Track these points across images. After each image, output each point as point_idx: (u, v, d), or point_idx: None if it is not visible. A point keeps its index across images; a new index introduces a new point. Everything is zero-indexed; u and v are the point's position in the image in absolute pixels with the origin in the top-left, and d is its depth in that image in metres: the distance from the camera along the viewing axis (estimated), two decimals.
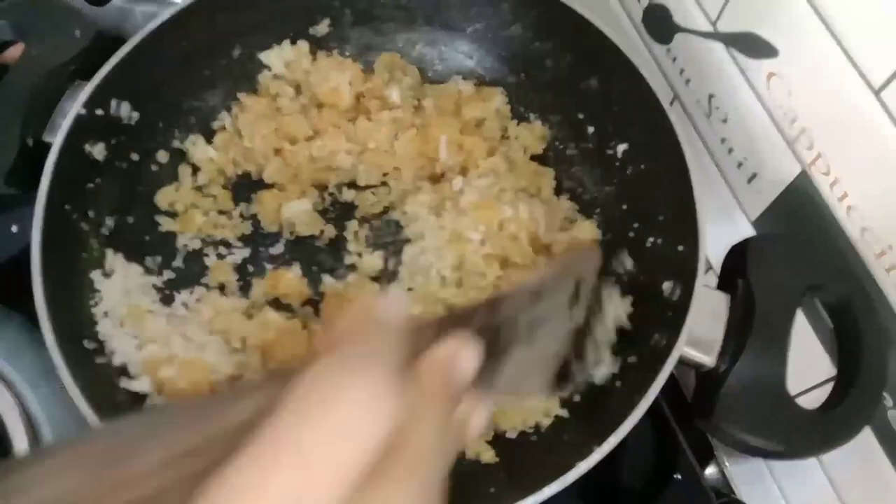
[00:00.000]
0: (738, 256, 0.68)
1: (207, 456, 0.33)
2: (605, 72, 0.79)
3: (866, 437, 0.68)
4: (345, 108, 0.83)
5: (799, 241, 0.70)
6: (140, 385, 0.70)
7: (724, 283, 0.69)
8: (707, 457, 0.88)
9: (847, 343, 0.65)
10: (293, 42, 0.86)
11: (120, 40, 0.75)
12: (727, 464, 0.88)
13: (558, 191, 0.84)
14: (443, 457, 0.36)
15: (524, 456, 0.71)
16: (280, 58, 0.85)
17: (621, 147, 0.80)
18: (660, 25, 0.82)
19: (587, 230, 0.80)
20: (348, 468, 0.32)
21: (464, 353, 0.40)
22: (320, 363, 0.34)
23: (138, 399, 0.70)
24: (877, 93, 0.59)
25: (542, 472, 0.62)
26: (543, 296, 0.49)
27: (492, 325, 0.45)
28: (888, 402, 0.65)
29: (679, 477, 0.81)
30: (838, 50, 0.61)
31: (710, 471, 0.88)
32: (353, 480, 0.32)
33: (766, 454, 0.64)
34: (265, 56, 0.85)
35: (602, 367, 0.54)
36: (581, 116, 0.84)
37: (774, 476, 0.84)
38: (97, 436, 0.42)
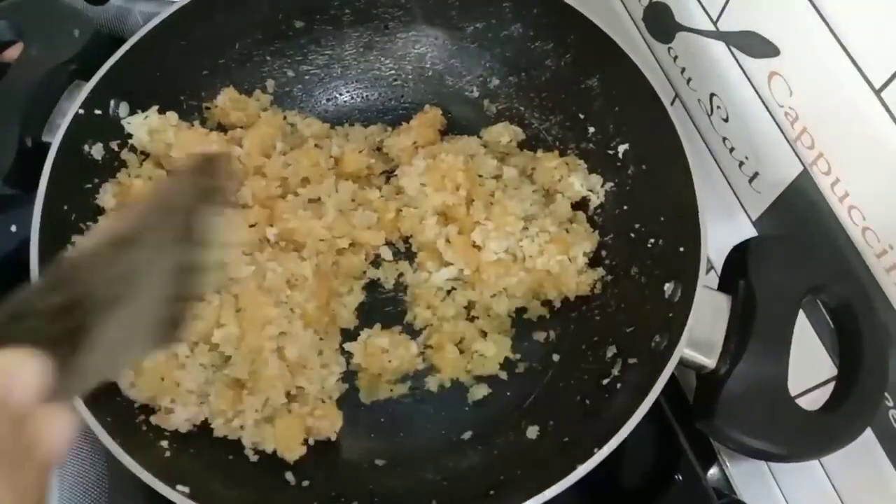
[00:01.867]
0: (739, 257, 0.68)
1: None
2: (606, 71, 0.80)
3: (867, 437, 0.68)
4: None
5: (800, 241, 0.70)
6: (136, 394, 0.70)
7: (726, 284, 0.69)
8: (708, 457, 0.88)
9: (848, 344, 0.65)
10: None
11: (119, 40, 0.76)
12: (728, 464, 0.88)
13: None
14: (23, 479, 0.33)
15: (525, 457, 0.72)
16: (144, 127, 0.79)
17: (622, 147, 0.80)
18: (661, 24, 0.82)
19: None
20: None
21: (18, 371, 0.36)
22: None
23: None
24: (878, 92, 0.59)
25: (543, 474, 0.62)
26: (134, 242, 0.42)
27: (68, 303, 0.39)
28: (889, 402, 0.65)
29: (680, 478, 0.81)
30: (839, 49, 0.61)
31: (712, 471, 0.88)
32: None
33: (768, 457, 0.65)
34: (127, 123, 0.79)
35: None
36: (582, 116, 0.84)
37: (775, 476, 0.84)
38: None
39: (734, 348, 0.64)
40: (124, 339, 0.41)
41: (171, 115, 0.79)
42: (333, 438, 0.73)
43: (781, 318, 0.65)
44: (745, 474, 0.87)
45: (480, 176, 0.83)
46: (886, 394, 0.65)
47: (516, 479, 0.69)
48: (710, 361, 0.65)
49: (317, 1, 0.86)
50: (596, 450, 0.61)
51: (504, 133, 0.86)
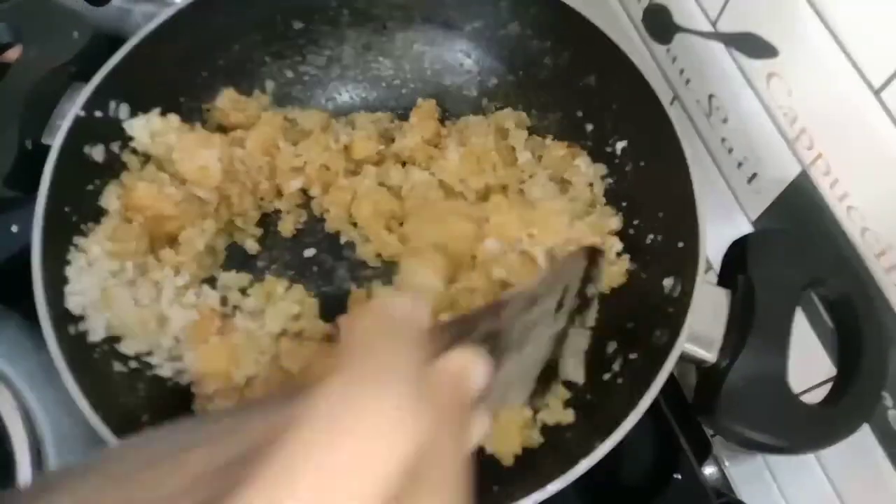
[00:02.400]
0: (738, 252, 0.69)
1: (224, 479, 0.32)
2: (604, 69, 0.80)
3: (866, 437, 0.69)
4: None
5: (798, 235, 0.71)
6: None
7: (725, 278, 0.69)
8: (707, 456, 0.88)
9: (847, 338, 0.66)
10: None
11: (119, 41, 0.76)
12: (727, 463, 0.88)
13: None
14: (463, 475, 0.35)
15: (527, 454, 0.71)
16: (146, 129, 0.78)
17: (620, 144, 0.80)
18: (660, 25, 0.83)
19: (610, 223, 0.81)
20: (371, 495, 0.30)
21: (476, 367, 0.39)
22: (337, 380, 0.33)
23: (136, 391, 0.70)
24: (877, 93, 0.60)
25: (545, 470, 0.62)
26: (537, 301, 0.50)
27: (494, 331, 0.45)
28: (888, 401, 0.66)
29: (679, 477, 0.81)
30: (838, 50, 0.62)
31: (710, 470, 0.88)
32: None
33: (768, 449, 0.65)
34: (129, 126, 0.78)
35: (575, 374, 0.53)
36: (580, 114, 0.84)
37: (774, 476, 0.85)
38: (114, 456, 0.41)
39: (734, 342, 0.65)
40: (516, 381, 0.46)
41: (173, 118, 0.78)
42: None
43: (781, 311, 0.65)
44: (744, 474, 0.88)
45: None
46: (886, 394, 0.66)
47: (518, 475, 0.69)
48: (710, 356, 0.65)
49: (315, 1, 0.86)
50: (598, 444, 0.61)
51: (509, 118, 0.86)
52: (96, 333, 0.69)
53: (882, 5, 0.57)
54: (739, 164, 0.78)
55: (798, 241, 0.69)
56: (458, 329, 0.44)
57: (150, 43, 0.76)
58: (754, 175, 0.77)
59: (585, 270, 0.55)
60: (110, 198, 0.75)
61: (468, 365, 0.39)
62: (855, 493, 0.74)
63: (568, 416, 0.72)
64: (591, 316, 0.55)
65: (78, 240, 0.72)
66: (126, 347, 0.71)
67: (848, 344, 0.66)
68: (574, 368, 0.51)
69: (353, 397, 0.32)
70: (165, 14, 0.77)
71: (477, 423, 0.40)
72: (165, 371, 0.72)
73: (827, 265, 0.67)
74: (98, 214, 0.74)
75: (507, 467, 0.71)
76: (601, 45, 0.77)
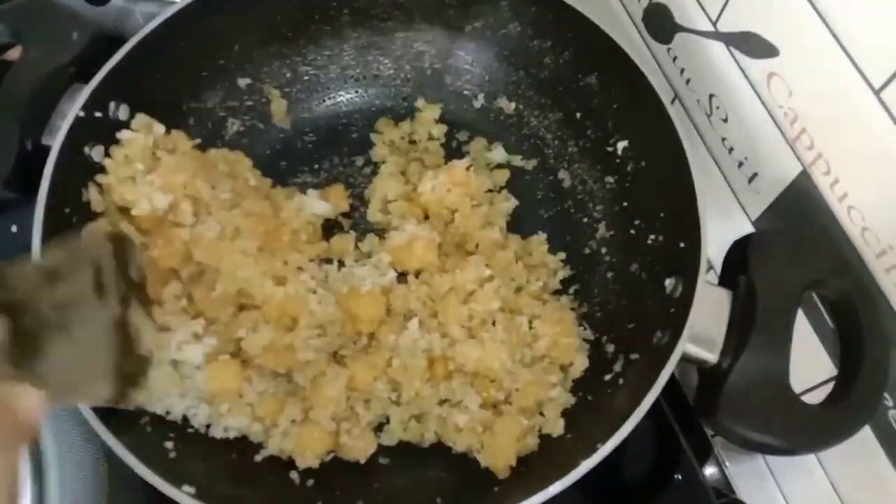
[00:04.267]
0: (739, 252, 0.68)
1: None
2: (605, 69, 0.80)
3: (867, 438, 0.69)
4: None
5: (800, 236, 0.70)
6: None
7: (726, 279, 0.69)
8: (707, 457, 0.88)
9: (848, 339, 0.66)
10: None
11: (119, 41, 0.76)
12: (727, 463, 0.88)
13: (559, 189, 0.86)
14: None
15: (528, 455, 0.71)
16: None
17: (621, 144, 0.80)
18: (660, 25, 0.83)
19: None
20: None
21: None
22: None
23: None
24: (877, 92, 0.60)
25: (546, 471, 0.62)
26: (59, 277, 0.49)
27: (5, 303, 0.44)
28: (888, 402, 0.66)
29: (679, 477, 0.81)
30: (838, 50, 0.62)
31: (711, 470, 0.88)
32: None
33: (769, 450, 0.66)
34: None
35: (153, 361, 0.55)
36: (580, 114, 0.84)
37: (775, 476, 0.85)
38: None
39: (736, 343, 0.65)
40: (81, 369, 0.47)
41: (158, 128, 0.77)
42: (362, 462, 0.73)
43: (782, 312, 0.65)
44: (744, 474, 0.87)
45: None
46: (886, 394, 0.65)
47: (520, 476, 0.69)
48: (711, 356, 0.65)
49: (315, 1, 0.86)
50: (599, 445, 0.61)
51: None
52: None
53: (882, 5, 0.57)
54: (740, 164, 0.78)
55: (799, 241, 0.69)
56: None
57: (149, 43, 0.76)
58: (755, 175, 0.77)
59: (116, 255, 0.55)
60: (94, 195, 0.74)
61: None
62: (855, 492, 0.74)
63: (559, 429, 0.72)
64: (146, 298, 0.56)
65: None
66: None
67: (849, 345, 0.66)
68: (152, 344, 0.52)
69: None
70: (165, 14, 0.77)
71: (25, 394, 0.40)
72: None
73: (828, 266, 0.67)
74: (97, 215, 0.74)
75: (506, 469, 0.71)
76: (602, 44, 0.77)
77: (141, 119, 0.77)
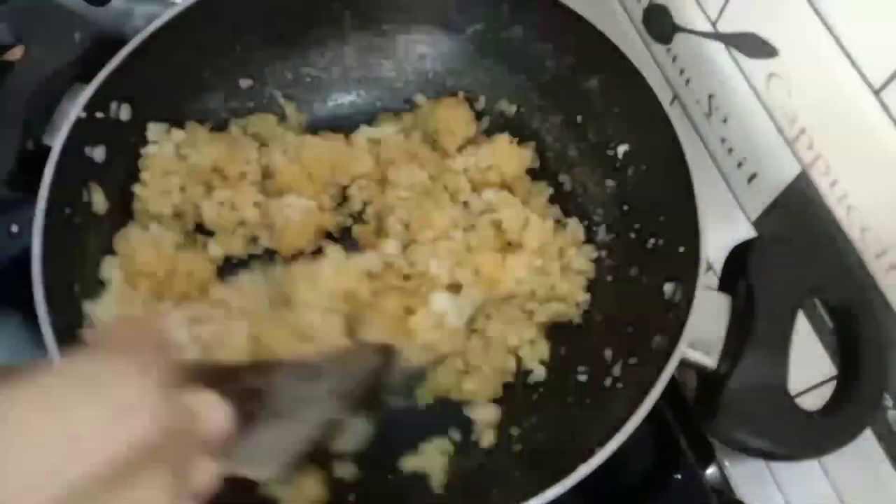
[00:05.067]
0: (739, 258, 0.68)
1: None
2: (606, 73, 0.79)
3: (867, 439, 0.69)
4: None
5: (800, 242, 0.70)
6: None
7: (726, 284, 0.69)
8: (707, 457, 0.88)
9: (848, 345, 0.65)
10: None
11: (120, 41, 0.75)
12: (727, 464, 0.88)
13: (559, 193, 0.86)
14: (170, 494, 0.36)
15: (526, 458, 0.72)
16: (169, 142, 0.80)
17: (622, 148, 0.80)
18: (660, 25, 0.83)
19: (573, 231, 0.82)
20: (115, 452, 0.32)
21: (213, 413, 0.40)
22: (99, 349, 0.35)
23: None
24: (876, 93, 0.59)
25: (544, 474, 0.62)
26: (317, 377, 0.50)
27: (255, 390, 0.45)
28: (888, 403, 0.66)
29: (679, 477, 0.81)
30: (838, 50, 0.61)
31: (711, 471, 0.88)
32: (113, 467, 0.31)
33: (768, 456, 0.65)
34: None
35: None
36: (581, 117, 0.84)
37: (774, 476, 0.84)
38: None
39: (735, 348, 0.64)
40: (270, 451, 0.46)
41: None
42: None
43: (781, 318, 0.65)
44: (744, 474, 0.87)
45: None
46: (886, 395, 0.65)
47: (518, 480, 0.70)
48: (710, 361, 0.65)
49: (317, 3, 0.85)
50: (598, 449, 0.61)
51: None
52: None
53: (882, 5, 0.57)
54: (739, 164, 0.78)
55: (799, 247, 0.69)
56: (212, 374, 0.43)
57: (151, 44, 0.76)
58: (754, 175, 0.77)
59: (377, 366, 0.57)
60: (110, 270, 0.75)
61: (205, 407, 0.39)
62: (855, 493, 0.74)
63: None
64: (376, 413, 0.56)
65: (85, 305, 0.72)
66: None
67: (848, 351, 0.65)
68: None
69: (106, 364, 0.34)
70: (167, 15, 0.76)
71: (201, 468, 0.40)
72: None
73: (828, 272, 0.66)
74: (98, 215, 0.74)
75: (506, 471, 0.71)
76: (604, 49, 0.77)
77: (156, 128, 0.79)
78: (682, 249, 0.69)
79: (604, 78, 0.80)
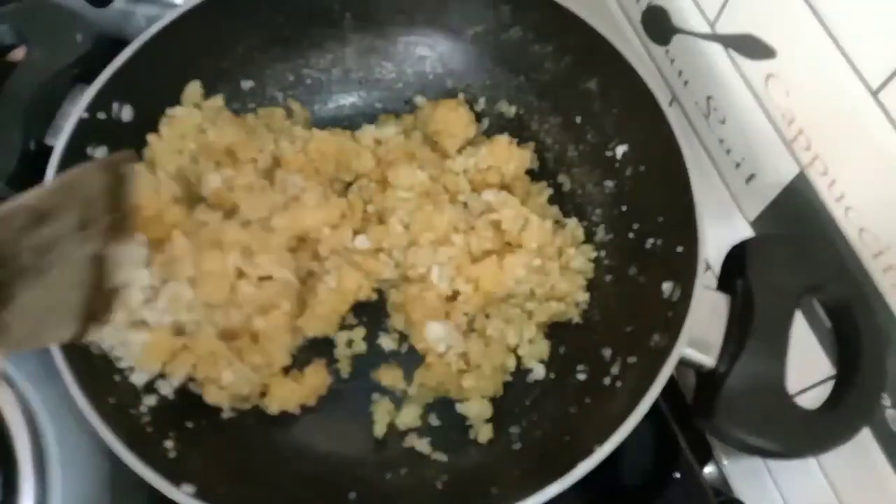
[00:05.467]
0: (737, 257, 0.68)
1: None
2: (605, 74, 0.79)
3: (865, 437, 0.68)
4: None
5: (798, 241, 0.70)
6: (138, 378, 0.70)
7: (724, 283, 0.69)
8: (706, 456, 0.88)
9: (846, 343, 0.66)
10: None
11: (121, 42, 0.75)
12: (726, 463, 0.88)
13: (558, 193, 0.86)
14: None
15: (526, 456, 0.72)
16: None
17: (620, 149, 0.80)
18: (658, 27, 0.83)
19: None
20: None
21: None
22: None
23: (138, 394, 0.70)
24: (874, 94, 0.59)
25: (544, 472, 0.62)
26: (45, 219, 0.45)
27: None
28: (886, 402, 0.66)
29: (678, 476, 0.81)
30: (836, 51, 0.61)
31: (709, 470, 0.88)
32: None
33: (766, 454, 0.65)
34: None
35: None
36: (580, 118, 0.84)
37: (773, 475, 0.84)
38: None
39: (733, 347, 0.64)
40: (48, 312, 0.43)
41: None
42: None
43: (779, 316, 0.65)
44: (742, 473, 0.87)
45: None
46: (884, 394, 0.65)
47: (518, 478, 0.69)
48: (709, 360, 0.65)
49: (318, 4, 0.85)
50: (597, 447, 0.61)
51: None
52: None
53: (880, 6, 0.57)
54: (737, 165, 0.78)
55: (797, 247, 0.68)
56: None
57: (153, 45, 0.76)
58: (752, 176, 0.77)
59: (110, 184, 0.51)
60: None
61: None
62: (853, 493, 0.74)
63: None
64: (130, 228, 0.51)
65: None
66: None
67: (847, 349, 0.65)
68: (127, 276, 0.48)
69: None
70: (169, 17, 0.77)
71: None
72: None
73: (826, 271, 0.66)
74: None
75: (505, 470, 0.71)
76: (603, 50, 0.77)
77: (193, 89, 0.80)
78: (680, 249, 0.69)
79: (602, 79, 0.80)
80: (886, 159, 0.61)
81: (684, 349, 0.64)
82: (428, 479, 0.73)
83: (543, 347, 0.79)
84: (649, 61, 0.86)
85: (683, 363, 0.65)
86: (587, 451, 0.61)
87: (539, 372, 0.78)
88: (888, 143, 0.60)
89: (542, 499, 0.61)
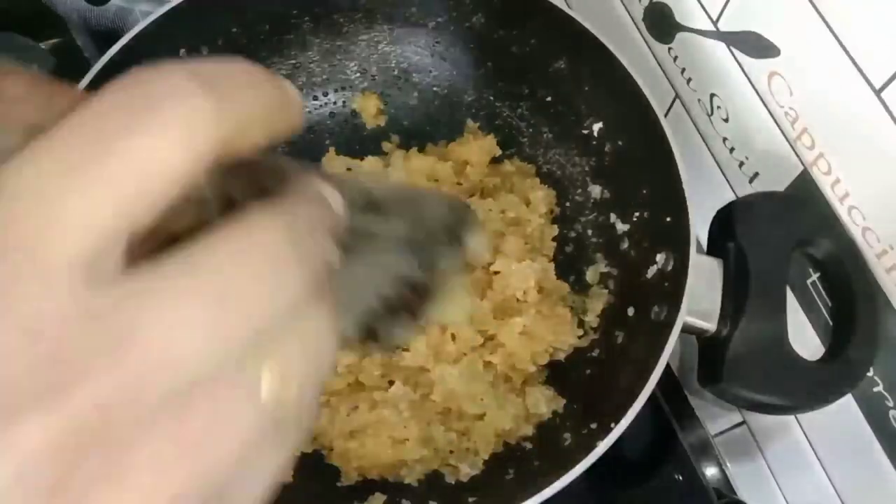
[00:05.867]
0: (724, 221, 0.70)
1: None
2: (573, 52, 0.80)
3: (866, 437, 0.70)
4: None
5: (782, 198, 0.72)
6: None
7: (714, 248, 0.70)
8: (708, 457, 0.88)
9: (839, 295, 0.68)
10: None
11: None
12: (728, 464, 0.89)
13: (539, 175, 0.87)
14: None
15: (544, 439, 0.72)
16: None
17: (597, 126, 0.81)
18: (661, 25, 0.84)
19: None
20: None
21: (335, 200, 0.31)
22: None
23: None
24: (878, 92, 0.61)
25: (564, 455, 0.63)
26: (380, 209, 0.43)
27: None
28: (889, 401, 0.67)
29: (679, 477, 0.81)
30: (839, 49, 0.63)
31: (711, 471, 0.89)
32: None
33: (775, 409, 0.66)
34: None
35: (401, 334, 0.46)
36: (551, 99, 0.85)
37: (775, 476, 0.85)
38: None
39: (732, 309, 0.66)
40: (348, 295, 0.39)
41: None
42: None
43: (774, 273, 0.66)
44: (744, 474, 0.88)
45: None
46: (886, 393, 0.67)
47: (517, 477, 0.69)
48: (710, 325, 0.66)
49: (276, 9, 0.85)
50: (613, 425, 0.62)
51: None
52: None
53: (883, 5, 0.57)
54: (741, 164, 0.80)
55: (781, 202, 0.71)
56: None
57: (143, 42, 0.73)
58: (755, 174, 0.78)
59: (450, 222, 0.48)
60: None
61: (326, 191, 0.31)
62: (855, 493, 0.74)
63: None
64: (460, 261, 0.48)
65: None
66: None
67: (840, 302, 0.68)
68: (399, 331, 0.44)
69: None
70: (157, 13, 0.74)
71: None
72: None
73: (813, 224, 0.68)
74: None
75: (505, 470, 0.71)
76: (567, 26, 0.77)
77: None
78: (668, 219, 0.70)
79: (571, 58, 0.81)
80: (890, 158, 0.62)
81: (686, 317, 0.65)
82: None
83: None
84: (651, 59, 0.87)
85: (686, 330, 0.65)
86: (605, 430, 0.62)
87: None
88: (892, 141, 0.61)
89: (568, 480, 0.60)
